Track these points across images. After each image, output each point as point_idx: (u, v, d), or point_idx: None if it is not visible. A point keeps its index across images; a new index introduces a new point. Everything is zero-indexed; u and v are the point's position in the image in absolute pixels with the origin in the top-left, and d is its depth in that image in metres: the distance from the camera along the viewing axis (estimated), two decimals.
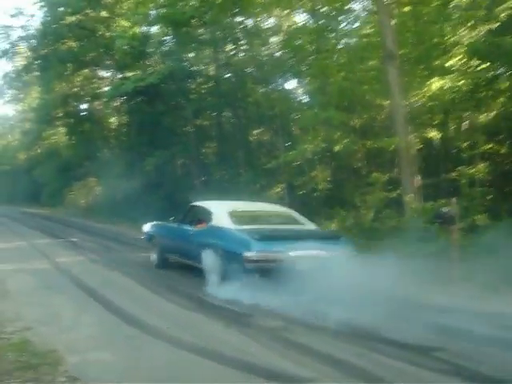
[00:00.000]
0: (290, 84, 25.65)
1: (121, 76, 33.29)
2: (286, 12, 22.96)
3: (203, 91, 29.54)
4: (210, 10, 23.45)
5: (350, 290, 7.75)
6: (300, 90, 25.38)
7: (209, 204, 11.61)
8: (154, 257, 13.00)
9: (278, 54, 24.57)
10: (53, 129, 44.95)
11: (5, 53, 38.27)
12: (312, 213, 16.95)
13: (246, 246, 9.09)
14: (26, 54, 39.12)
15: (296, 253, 8.88)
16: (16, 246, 17.80)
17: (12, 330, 7.09)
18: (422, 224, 11.82)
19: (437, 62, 15.03)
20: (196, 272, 10.75)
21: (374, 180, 15.63)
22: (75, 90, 38.18)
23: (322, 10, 20.46)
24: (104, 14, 33.69)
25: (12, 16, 38.40)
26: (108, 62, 35.21)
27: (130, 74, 31.28)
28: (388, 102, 15.86)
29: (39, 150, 52.70)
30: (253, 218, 10.76)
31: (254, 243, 9.06)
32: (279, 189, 22.60)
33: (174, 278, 11.62)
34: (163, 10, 25.89)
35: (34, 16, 39.36)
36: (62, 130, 43.44)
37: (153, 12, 27.88)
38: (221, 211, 10.70)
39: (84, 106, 39.99)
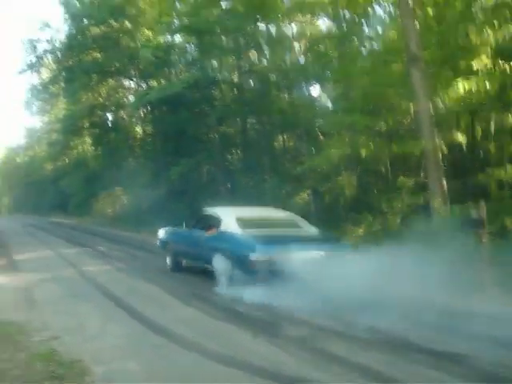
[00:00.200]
0: (314, 90, 25.55)
1: (145, 85, 33.59)
2: (308, 18, 22.85)
3: (227, 99, 29.59)
4: (233, 18, 23.43)
5: (369, 293, 7.99)
6: (324, 96, 25.27)
7: (218, 211, 12.39)
8: (168, 261, 13.82)
9: (301, 60, 24.50)
10: (79, 139, 45.49)
11: (31, 66, 38.87)
12: (338, 218, 16.85)
13: (251, 248, 9.87)
14: (51, 67, 39.63)
15: (298, 255, 9.36)
16: (43, 255, 18.01)
17: (39, 339, 7.12)
18: (450, 228, 11.60)
19: (462, 64, 14.80)
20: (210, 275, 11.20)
21: (401, 184, 15.45)
22: (100, 100, 38.65)
23: (344, 15, 20.33)
24: (128, 24, 33.98)
25: (38, 30, 39.06)
26: (132, 72, 35.53)
27: (154, 84, 31.57)
28: (413, 105, 15.64)
29: (66, 161, 53.36)
30: (258, 223, 11.24)
31: (258, 246, 9.85)
32: (305, 195, 22.49)
33: (198, 285, 11.61)
34: (186, 19, 25.99)
35: (60, 29, 39.77)
36: (88, 140, 43.93)
37: (176, 21, 27.98)
38: (229, 217, 11.51)
39: (109, 116, 40.43)
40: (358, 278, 8.11)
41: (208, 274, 11.41)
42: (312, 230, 11.72)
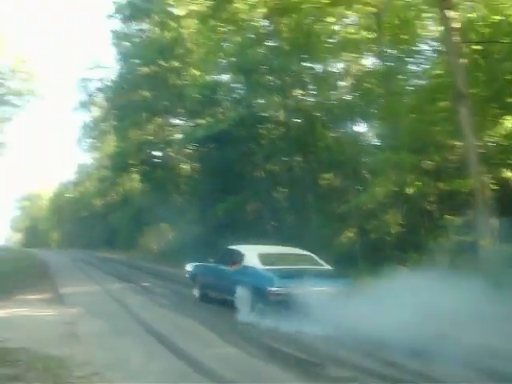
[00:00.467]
0: (360, 127, 25.44)
1: (192, 123, 34.08)
2: (353, 55, 22.91)
3: (273, 136, 29.70)
4: (278, 57, 23.66)
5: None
6: (370, 133, 25.17)
7: (242, 247, 13.61)
8: (196, 293, 14.98)
9: (347, 98, 24.51)
10: (127, 175, 46.22)
11: (83, 104, 40.07)
12: (384, 257, 16.57)
13: (270, 282, 11.11)
14: (102, 105, 40.69)
15: (310, 288, 10.41)
16: (89, 289, 18.27)
17: (80, 374, 7.11)
18: (500, 268, 11.29)
19: (510, 100, 14.59)
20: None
21: (448, 223, 15.17)
22: (149, 137, 39.27)
23: (389, 53, 20.33)
24: (176, 63, 34.71)
25: (90, 69, 40.30)
26: (180, 110, 36.14)
27: (201, 121, 32.00)
28: (460, 142, 15.43)
29: (114, 196, 54.26)
30: (277, 259, 12.68)
31: (276, 280, 11.07)
32: (351, 233, 22.24)
33: (233, 318, 11.56)
34: (233, 59, 26.38)
35: (111, 68, 41.07)
36: (136, 176, 44.61)
37: (223, 60, 28.40)
38: (252, 254, 12.72)
39: (157, 153, 41.01)
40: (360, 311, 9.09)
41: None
42: (325, 267, 12.69)
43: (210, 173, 31.32)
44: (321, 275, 11.44)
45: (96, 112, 42.59)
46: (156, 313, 13.04)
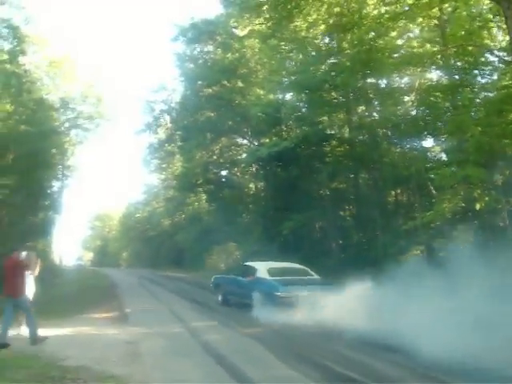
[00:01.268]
0: (427, 142, 24.90)
1: (257, 142, 34.19)
2: (418, 70, 22.46)
3: (338, 154, 29.45)
4: (341, 74, 23.45)
5: None
6: (437, 148, 24.57)
7: (254, 264, 17.96)
8: (219, 298, 19.23)
9: (412, 113, 24.05)
10: (195, 195, 46.74)
11: (149, 126, 40.86)
12: (455, 275, 15.95)
13: (276, 288, 14.95)
14: (167, 126, 41.40)
15: (304, 292, 14.34)
16: (153, 308, 18.45)
17: None
18: None
19: None
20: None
21: None
22: (214, 157, 39.69)
23: (455, 65, 19.84)
24: (239, 83, 34.99)
25: (155, 92, 41.09)
26: (245, 130, 36.38)
27: (265, 140, 32.06)
28: None
29: (182, 216, 54.90)
30: (281, 272, 16.43)
31: (281, 287, 14.91)
32: (418, 251, 21.63)
33: (302, 343, 11.23)
34: (295, 77, 26.34)
35: (175, 90, 41.80)
36: (203, 196, 45.04)
37: (286, 79, 28.41)
38: (262, 268, 16.85)
39: (223, 173, 41.37)
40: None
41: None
42: (315, 276, 16.92)
43: (275, 191, 31.27)
44: (311, 283, 15.74)
45: (161, 133, 43.36)
46: (219, 333, 12.93)
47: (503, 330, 9.29)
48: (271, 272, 16.35)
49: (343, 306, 12.61)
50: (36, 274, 12.05)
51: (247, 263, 18.92)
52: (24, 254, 11.92)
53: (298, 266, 17.92)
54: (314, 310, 13.16)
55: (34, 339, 11.03)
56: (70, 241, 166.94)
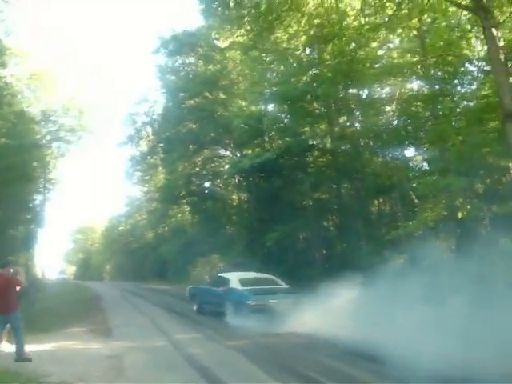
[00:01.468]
0: (408, 152, 25.06)
1: (239, 154, 34.19)
2: (398, 80, 22.63)
3: (320, 164, 29.53)
4: (323, 84, 23.54)
5: None
6: (418, 158, 24.73)
7: (227, 275, 19.57)
8: (195, 307, 20.46)
9: (394, 123, 24.20)
10: (178, 207, 46.60)
11: (131, 138, 40.72)
12: (437, 284, 16.01)
13: (247, 297, 16.17)
14: (149, 138, 41.30)
15: (273, 300, 15.84)
16: (137, 321, 18.34)
17: None
18: None
19: None
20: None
21: (504, 247, 14.59)
22: (197, 169, 39.62)
23: (435, 75, 20.02)
24: (221, 95, 35.03)
25: (137, 104, 40.99)
26: (227, 141, 36.38)
27: (248, 152, 32.06)
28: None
29: (165, 228, 54.68)
30: (251, 282, 17.60)
31: (252, 296, 16.14)
32: (401, 260, 21.67)
33: (284, 354, 11.15)
34: (277, 88, 26.40)
35: (157, 102, 41.70)
36: (187, 208, 44.91)
37: (267, 90, 28.46)
38: (235, 279, 18.12)
39: (206, 185, 41.29)
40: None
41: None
42: (283, 286, 17.98)
43: (259, 203, 31.26)
44: (280, 292, 16.93)
45: (144, 145, 43.25)
46: (202, 345, 12.77)
47: (484, 337, 9.35)
48: (243, 282, 17.73)
49: (311, 313, 14.16)
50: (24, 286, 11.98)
51: (221, 274, 20.59)
52: (12, 269, 11.88)
53: (267, 275, 19.32)
54: (282, 317, 14.70)
55: (20, 356, 10.89)
56: (52, 254, 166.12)
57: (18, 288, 11.41)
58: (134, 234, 68.78)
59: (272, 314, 15.15)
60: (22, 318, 11.40)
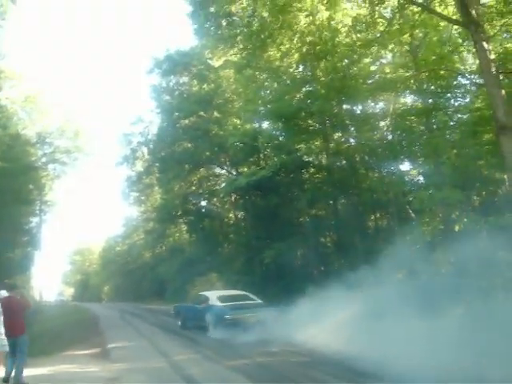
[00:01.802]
0: (404, 166, 25.09)
1: (235, 172, 34.20)
2: (392, 95, 22.73)
3: (316, 181, 29.54)
4: (317, 101, 23.63)
5: None
6: (414, 172, 24.75)
7: (207, 293, 21.51)
8: (179, 322, 22.34)
9: (388, 137, 24.26)
10: (175, 227, 46.50)
11: (126, 158, 40.74)
12: (436, 298, 15.95)
13: (225, 312, 18.02)
14: (145, 158, 41.33)
15: (247, 315, 17.69)
16: (135, 343, 18.09)
17: None
18: None
19: None
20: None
21: (503, 259, 14.54)
22: (193, 188, 39.63)
23: (427, 89, 20.13)
24: (216, 114, 35.13)
25: (132, 124, 41.06)
26: (222, 160, 36.41)
27: (244, 170, 32.08)
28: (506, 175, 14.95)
29: (163, 248, 54.54)
30: (229, 298, 19.60)
31: (228, 311, 17.97)
32: (400, 275, 21.59)
33: (289, 374, 11.02)
34: (271, 105, 26.49)
35: (152, 122, 41.76)
36: (184, 227, 44.83)
37: (262, 108, 28.53)
38: (213, 296, 20.13)
39: (203, 203, 41.28)
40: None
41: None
42: (257, 301, 19.87)
43: (256, 220, 31.23)
44: (254, 306, 18.80)
45: (139, 165, 43.29)
46: (201, 366, 12.58)
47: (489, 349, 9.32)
48: (221, 299, 19.75)
49: (283, 325, 16.29)
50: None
51: (201, 293, 22.62)
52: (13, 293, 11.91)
53: (242, 292, 21.97)
54: (256, 329, 16.48)
55: (18, 381, 10.83)
56: (49, 276, 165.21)
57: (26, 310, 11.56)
58: (132, 255, 68.57)
59: (246, 326, 17.11)
60: (28, 342, 11.38)
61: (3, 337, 11.38)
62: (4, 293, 12.09)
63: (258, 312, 18.00)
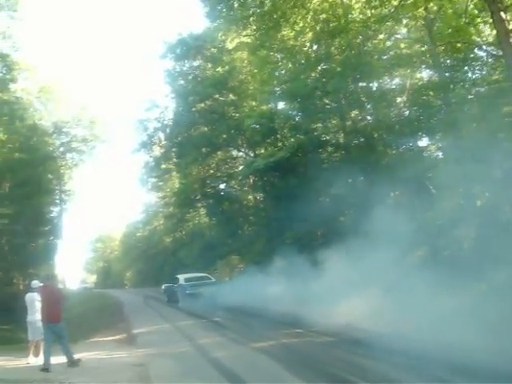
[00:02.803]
0: (422, 142, 24.80)
1: (253, 154, 34.11)
2: (408, 71, 22.46)
3: (334, 160, 29.35)
4: (332, 79, 23.41)
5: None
6: (432, 147, 24.48)
7: (179, 276, 29.41)
8: (166, 298, 30.92)
9: (406, 114, 24.00)
10: (194, 211, 46.56)
11: (143, 145, 40.71)
12: (457, 274, 15.83)
13: (187, 288, 26.76)
14: (161, 144, 41.29)
15: (202, 289, 25.53)
16: (160, 328, 18.23)
17: None
18: None
19: None
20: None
21: None
22: (211, 172, 39.60)
23: (445, 63, 19.84)
24: (231, 96, 34.97)
25: (147, 110, 40.95)
26: (239, 142, 36.31)
27: (261, 151, 31.97)
28: None
29: (183, 232, 54.74)
30: (191, 279, 28.16)
31: (189, 288, 26.63)
32: (421, 252, 21.46)
33: (315, 355, 10.99)
34: (287, 86, 26.33)
35: (167, 107, 41.62)
36: (203, 211, 44.88)
37: (277, 88, 28.38)
38: (182, 278, 28.71)
39: (221, 187, 41.24)
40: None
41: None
42: (212, 280, 28.75)
43: (275, 202, 31.13)
44: (208, 284, 26.84)
45: (157, 151, 43.25)
46: (227, 349, 12.60)
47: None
48: (185, 279, 28.42)
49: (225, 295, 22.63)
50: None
51: (176, 276, 30.32)
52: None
53: (204, 274, 30.65)
54: (207, 299, 23.73)
55: (72, 362, 11.65)
56: (72, 264, 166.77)
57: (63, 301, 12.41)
58: (152, 240, 68.93)
59: (202, 297, 24.50)
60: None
61: (40, 324, 11.94)
62: (36, 283, 12.70)
63: (210, 287, 25.90)
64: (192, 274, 30.22)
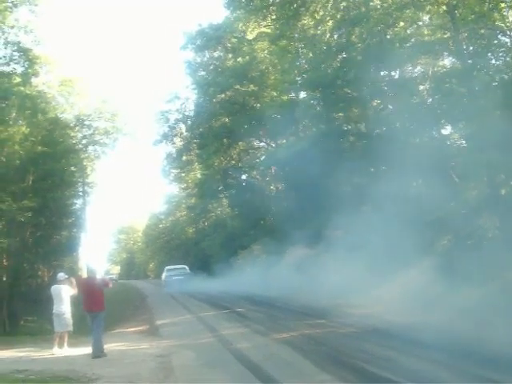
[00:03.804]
0: (445, 130, 24.48)
1: (274, 144, 34.04)
2: (430, 58, 22.15)
3: (356, 149, 29.14)
4: (353, 68, 23.21)
5: None
6: (456, 136, 24.16)
7: (166, 267, 44.18)
8: (164, 289, 39.20)
9: (428, 102, 23.69)
10: (216, 202, 46.71)
11: (165, 136, 40.86)
12: (482, 263, 15.65)
13: (169, 278, 40.15)
14: (183, 135, 41.40)
15: (179, 277, 39.40)
16: (183, 319, 18.34)
17: None
18: None
19: None
20: None
21: None
22: (233, 162, 39.69)
23: (467, 49, 19.53)
24: (252, 87, 34.91)
25: (168, 101, 41.04)
26: (261, 132, 36.28)
27: (282, 142, 31.90)
28: None
29: (206, 223, 54.97)
30: (171, 270, 42.33)
31: (169, 277, 40.45)
32: (445, 241, 21.24)
33: (337, 346, 10.94)
34: (307, 75, 26.17)
35: (188, 98, 41.70)
36: (225, 201, 45.01)
37: (298, 78, 28.25)
38: (165, 270, 43.07)
39: (243, 177, 41.31)
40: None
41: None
42: (187, 271, 42.21)
43: (297, 192, 31.06)
44: (184, 274, 40.53)
45: (178, 142, 43.39)
46: (250, 340, 12.62)
47: None
48: (168, 270, 40.99)
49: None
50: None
51: (166, 267, 43.07)
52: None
53: (182, 266, 42.63)
54: (182, 285, 34.29)
55: (100, 352, 12.04)
56: (96, 256, 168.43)
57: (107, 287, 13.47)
58: (175, 231, 69.37)
59: (178, 284, 35.63)
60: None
61: (68, 316, 12.30)
62: (63, 275, 13.06)
63: (184, 276, 38.20)
64: (173, 266, 44.54)
